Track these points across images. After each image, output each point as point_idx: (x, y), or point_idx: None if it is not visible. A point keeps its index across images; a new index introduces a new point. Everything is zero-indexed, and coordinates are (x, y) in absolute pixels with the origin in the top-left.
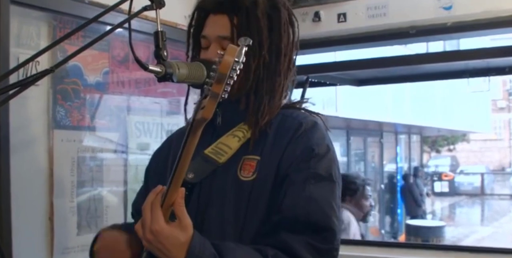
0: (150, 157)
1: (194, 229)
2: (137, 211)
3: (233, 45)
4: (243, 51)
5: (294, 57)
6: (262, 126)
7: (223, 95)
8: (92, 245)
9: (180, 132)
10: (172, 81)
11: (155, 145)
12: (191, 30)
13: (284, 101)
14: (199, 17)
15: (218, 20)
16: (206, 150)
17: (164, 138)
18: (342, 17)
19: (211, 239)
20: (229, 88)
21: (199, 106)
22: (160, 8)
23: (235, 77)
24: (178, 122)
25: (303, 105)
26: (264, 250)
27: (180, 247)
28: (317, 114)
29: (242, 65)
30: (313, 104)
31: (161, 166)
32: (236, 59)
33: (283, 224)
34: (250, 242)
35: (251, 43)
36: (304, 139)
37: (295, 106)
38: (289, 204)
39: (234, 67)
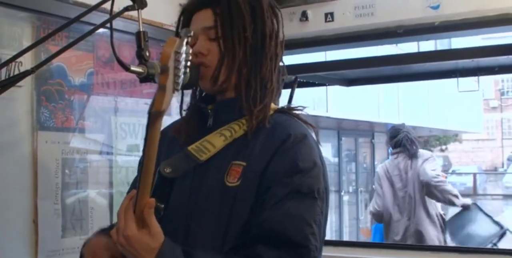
0: (137, 158)
1: (165, 237)
2: None
3: (174, 37)
4: (184, 42)
5: (282, 45)
6: (257, 114)
7: (176, 88)
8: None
9: (174, 126)
10: (155, 82)
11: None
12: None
13: (275, 103)
14: (185, 20)
15: (202, 15)
16: (190, 146)
17: None
18: (329, 16)
19: (197, 243)
20: (180, 80)
21: (153, 101)
22: (142, 8)
23: (184, 69)
24: (164, 123)
25: (298, 112)
26: None
27: (150, 253)
28: (311, 125)
29: (189, 56)
30: (302, 109)
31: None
32: (177, 50)
33: (260, 237)
34: (232, 247)
35: (192, 34)
36: (290, 152)
37: (290, 112)
38: (267, 218)
39: (177, 58)
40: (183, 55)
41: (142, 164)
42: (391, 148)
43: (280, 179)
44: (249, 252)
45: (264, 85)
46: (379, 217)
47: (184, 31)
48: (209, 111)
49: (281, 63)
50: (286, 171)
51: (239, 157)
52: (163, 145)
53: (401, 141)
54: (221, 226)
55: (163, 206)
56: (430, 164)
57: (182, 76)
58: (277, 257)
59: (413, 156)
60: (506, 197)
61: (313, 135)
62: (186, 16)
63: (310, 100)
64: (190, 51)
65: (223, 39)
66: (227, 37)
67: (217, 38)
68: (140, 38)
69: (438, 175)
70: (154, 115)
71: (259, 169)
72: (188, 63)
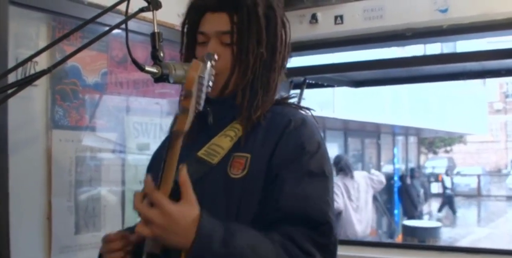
0: (149, 157)
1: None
2: None
3: (197, 60)
4: (208, 66)
5: (288, 57)
6: (254, 120)
7: (198, 108)
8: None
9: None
10: (169, 82)
11: (154, 145)
12: (185, 28)
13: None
14: (195, 15)
15: (217, 17)
16: (199, 152)
17: (163, 138)
18: (339, 19)
19: None
20: (202, 101)
21: (175, 120)
22: (156, 9)
23: (206, 90)
24: None
25: (291, 100)
26: (270, 235)
27: (192, 223)
28: (307, 109)
29: (212, 77)
30: (295, 96)
31: (159, 166)
32: (201, 74)
33: (282, 220)
34: None
35: (216, 58)
36: (294, 136)
37: (284, 102)
38: (285, 202)
39: (200, 82)
40: (206, 78)
41: (150, 169)
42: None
43: (289, 163)
44: (276, 232)
45: (267, 94)
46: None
47: (207, 55)
48: (207, 109)
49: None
50: (293, 155)
51: (240, 149)
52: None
53: (343, 167)
54: (230, 218)
55: None
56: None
57: (204, 97)
58: (305, 235)
59: (352, 176)
60: (510, 198)
61: (311, 119)
62: (197, 13)
63: (317, 102)
64: (213, 72)
65: (238, 48)
66: (243, 46)
67: (231, 44)
68: (155, 39)
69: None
70: (176, 134)
71: (265, 157)
72: (210, 83)
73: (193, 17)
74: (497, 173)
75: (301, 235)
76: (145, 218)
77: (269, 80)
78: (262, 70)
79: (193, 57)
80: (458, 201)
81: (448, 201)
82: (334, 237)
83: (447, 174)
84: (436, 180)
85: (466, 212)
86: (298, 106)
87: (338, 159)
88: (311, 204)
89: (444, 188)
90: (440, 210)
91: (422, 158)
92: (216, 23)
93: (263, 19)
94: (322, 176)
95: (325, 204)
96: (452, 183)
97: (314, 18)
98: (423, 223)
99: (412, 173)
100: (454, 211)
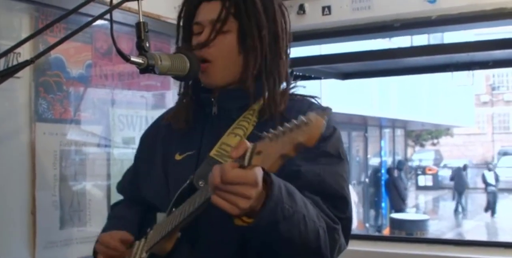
0: (134, 151)
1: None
2: (120, 190)
3: (319, 116)
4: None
5: (289, 46)
6: (276, 112)
7: None
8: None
9: (169, 113)
10: (154, 73)
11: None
12: (181, 20)
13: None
14: (191, 6)
15: (212, 6)
16: (211, 152)
17: None
18: (326, 10)
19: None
20: None
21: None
22: None
23: None
24: None
25: (293, 90)
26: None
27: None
28: (314, 97)
29: None
30: (317, 97)
31: (150, 152)
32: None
33: (303, 188)
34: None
35: (331, 112)
36: None
37: (293, 94)
38: (304, 172)
39: None
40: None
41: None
42: None
43: (305, 151)
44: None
45: (279, 81)
46: None
47: (325, 109)
48: (212, 100)
49: None
50: None
51: None
52: (158, 136)
53: None
54: None
55: None
56: None
57: None
58: (323, 202)
59: None
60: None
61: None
62: (192, 4)
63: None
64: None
65: (240, 34)
66: (244, 31)
67: (229, 32)
68: (140, 29)
69: None
70: None
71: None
72: None
73: (188, 8)
74: (484, 165)
75: (322, 202)
76: (244, 196)
77: (279, 66)
78: (270, 56)
79: (190, 48)
80: (444, 193)
81: (491, 199)
82: (349, 212)
83: (489, 169)
84: (423, 173)
85: (453, 204)
86: (304, 96)
87: None
88: (327, 177)
89: (486, 184)
90: (486, 209)
91: (409, 150)
92: (210, 12)
93: (260, 5)
94: (338, 157)
95: (342, 179)
96: (497, 179)
97: (301, 9)
98: (410, 216)
99: (400, 165)
100: (493, 211)
